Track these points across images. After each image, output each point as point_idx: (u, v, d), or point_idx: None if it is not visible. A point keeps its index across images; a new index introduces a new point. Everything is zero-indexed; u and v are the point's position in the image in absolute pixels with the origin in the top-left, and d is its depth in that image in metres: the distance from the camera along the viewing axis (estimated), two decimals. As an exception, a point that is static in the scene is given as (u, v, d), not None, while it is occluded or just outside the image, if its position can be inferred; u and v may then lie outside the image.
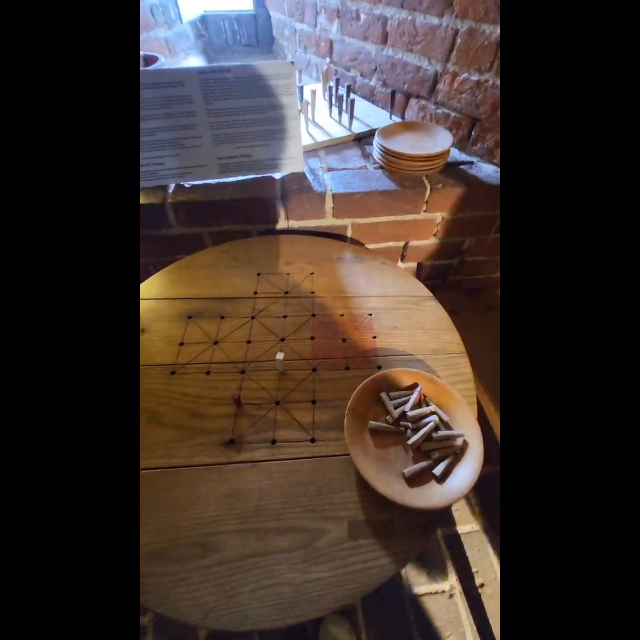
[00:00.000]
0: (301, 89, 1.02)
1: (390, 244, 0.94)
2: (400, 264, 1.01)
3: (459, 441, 0.46)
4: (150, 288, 0.66)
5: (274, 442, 0.48)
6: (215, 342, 0.58)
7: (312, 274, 0.70)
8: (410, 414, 0.48)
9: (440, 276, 1.08)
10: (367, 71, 1.13)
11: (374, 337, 0.60)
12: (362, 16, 1.05)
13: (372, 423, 0.48)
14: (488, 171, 0.88)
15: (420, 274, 1.05)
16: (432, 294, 0.67)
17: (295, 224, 0.84)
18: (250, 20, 1.52)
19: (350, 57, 1.16)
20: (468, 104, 0.88)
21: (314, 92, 0.97)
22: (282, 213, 0.82)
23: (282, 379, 0.54)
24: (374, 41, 1.05)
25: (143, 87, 0.69)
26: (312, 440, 0.48)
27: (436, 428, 0.47)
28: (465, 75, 0.86)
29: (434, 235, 0.93)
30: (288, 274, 0.70)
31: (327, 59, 1.25)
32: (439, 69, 0.91)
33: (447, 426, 0.48)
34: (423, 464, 0.45)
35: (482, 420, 0.74)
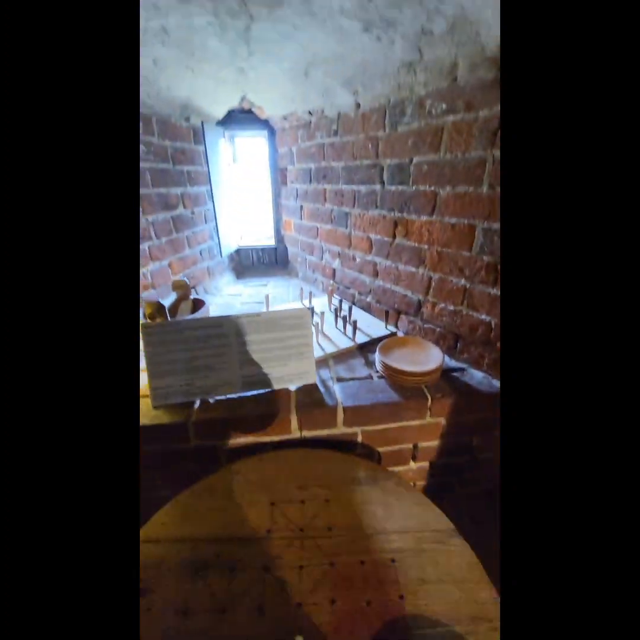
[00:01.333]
0: (312, 309, 1.26)
1: (401, 446, 0.95)
2: (412, 464, 1.00)
3: None
4: (158, 525, 0.64)
5: None
6: (223, 611, 0.51)
7: (327, 501, 0.68)
8: None
9: (455, 474, 1.04)
10: (364, 291, 1.42)
11: (401, 597, 0.53)
12: (357, 259, 1.41)
13: None
14: (479, 378, 0.98)
15: (434, 473, 1.02)
16: (455, 528, 0.63)
17: (308, 433, 0.88)
18: (271, 250, 2.03)
19: (349, 281, 1.50)
20: (449, 324, 1.07)
21: (322, 313, 1.20)
22: (295, 424, 0.87)
23: (298, 673, 0.45)
24: (368, 274, 1.37)
25: (191, 329, 0.86)
26: None
27: None
28: (442, 305, 1.08)
29: (441, 436, 0.96)
30: (302, 501, 0.68)
31: (331, 281, 1.60)
32: (422, 299, 1.15)
33: None
34: None
35: None
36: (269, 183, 1.89)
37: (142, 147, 1.17)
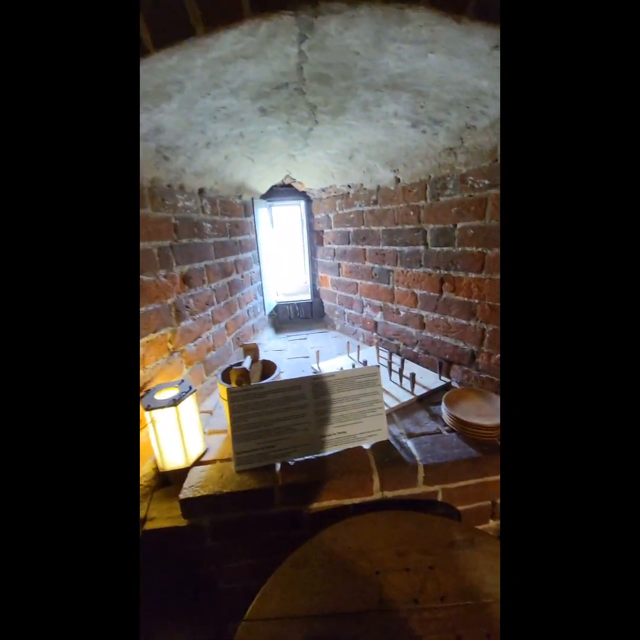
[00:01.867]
0: (365, 363, 1.31)
1: (480, 504, 0.94)
2: (491, 522, 0.97)
3: None
4: (271, 601, 0.63)
5: None
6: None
7: (431, 568, 0.67)
8: None
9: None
10: (409, 343, 1.47)
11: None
12: (402, 312, 1.48)
13: None
14: (549, 428, 0.99)
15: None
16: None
17: (389, 494, 0.88)
18: (308, 304, 2.13)
19: (393, 333, 1.55)
20: (509, 374, 1.10)
21: (379, 366, 1.24)
22: (377, 484, 0.87)
23: None
24: (414, 326, 1.43)
25: (272, 392, 0.91)
26: None
27: None
28: (499, 355, 1.11)
29: (521, 492, 0.94)
30: (407, 569, 0.67)
31: (374, 333, 1.67)
32: (475, 349, 1.19)
33: None
34: None
35: None
36: (304, 244, 2.04)
37: (208, 225, 1.32)
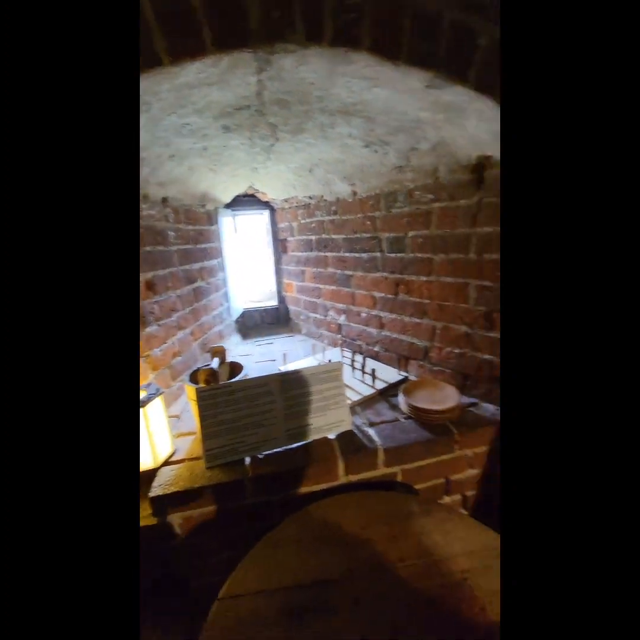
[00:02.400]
0: (329, 362, 1.39)
1: (435, 482, 1.04)
2: (446, 498, 1.08)
3: None
4: (244, 580, 0.67)
5: None
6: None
7: (393, 537, 0.75)
8: None
9: (486, 504, 1.13)
10: (371, 342, 1.58)
11: (482, 610, 0.60)
12: (363, 314, 1.59)
13: None
14: (491, 410, 1.12)
15: (467, 504, 1.10)
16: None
17: (353, 477, 0.96)
18: (274, 310, 2.19)
19: (356, 333, 1.66)
20: (457, 365, 1.23)
21: (341, 363, 1.33)
22: (342, 470, 0.94)
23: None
24: (374, 327, 1.54)
25: (241, 390, 0.95)
26: None
27: None
28: (448, 349, 1.25)
29: (471, 467, 1.06)
30: (370, 539, 0.75)
31: (338, 335, 1.76)
32: (428, 345, 1.32)
33: None
34: None
35: None
36: (270, 251, 2.11)
37: (172, 233, 1.34)
